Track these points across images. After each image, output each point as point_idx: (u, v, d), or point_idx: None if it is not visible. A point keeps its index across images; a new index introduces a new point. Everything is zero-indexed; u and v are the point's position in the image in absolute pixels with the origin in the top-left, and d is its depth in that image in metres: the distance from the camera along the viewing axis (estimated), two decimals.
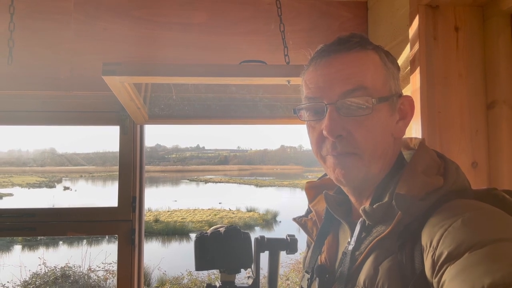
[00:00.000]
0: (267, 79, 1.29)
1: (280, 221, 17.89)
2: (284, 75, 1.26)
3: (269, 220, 17.90)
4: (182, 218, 17.22)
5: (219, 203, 21.56)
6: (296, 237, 1.11)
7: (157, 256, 8.60)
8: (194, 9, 1.77)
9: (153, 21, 1.75)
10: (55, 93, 1.71)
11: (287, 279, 6.45)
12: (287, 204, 21.88)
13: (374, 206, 0.73)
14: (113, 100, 1.42)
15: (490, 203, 0.66)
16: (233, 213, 18.88)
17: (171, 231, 15.28)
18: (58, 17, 1.71)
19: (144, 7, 1.75)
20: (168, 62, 1.74)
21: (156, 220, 16.33)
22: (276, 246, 1.08)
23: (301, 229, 0.97)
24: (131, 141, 1.81)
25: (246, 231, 1.01)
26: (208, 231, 1.02)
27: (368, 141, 0.74)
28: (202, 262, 0.97)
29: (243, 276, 1.13)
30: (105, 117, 1.82)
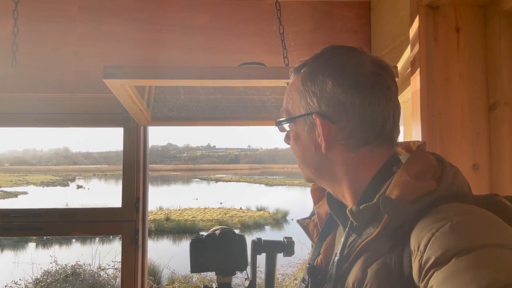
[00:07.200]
0: (265, 81, 1.29)
1: (292, 219, 17.82)
2: (282, 77, 1.25)
3: (279, 219, 17.86)
4: (192, 217, 17.31)
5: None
6: (293, 239, 1.11)
7: (168, 254, 8.66)
8: (196, 11, 1.78)
9: (156, 23, 1.76)
10: (60, 95, 1.74)
11: (295, 279, 6.44)
12: (298, 203, 21.77)
13: (360, 207, 0.73)
14: (117, 102, 1.44)
15: (490, 210, 0.64)
16: (243, 212, 18.89)
17: (181, 229, 15.37)
18: (63, 20, 1.74)
19: (147, 10, 1.76)
20: (171, 64, 1.76)
21: (167, 219, 16.44)
22: (273, 248, 1.08)
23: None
24: (134, 142, 1.83)
25: (241, 234, 1.02)
26: (203, 234, 1.03)
27: (296, 154, 0.86)
28: (197, 265, 0.98)
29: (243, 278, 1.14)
30: (109, 119, 1.85)
